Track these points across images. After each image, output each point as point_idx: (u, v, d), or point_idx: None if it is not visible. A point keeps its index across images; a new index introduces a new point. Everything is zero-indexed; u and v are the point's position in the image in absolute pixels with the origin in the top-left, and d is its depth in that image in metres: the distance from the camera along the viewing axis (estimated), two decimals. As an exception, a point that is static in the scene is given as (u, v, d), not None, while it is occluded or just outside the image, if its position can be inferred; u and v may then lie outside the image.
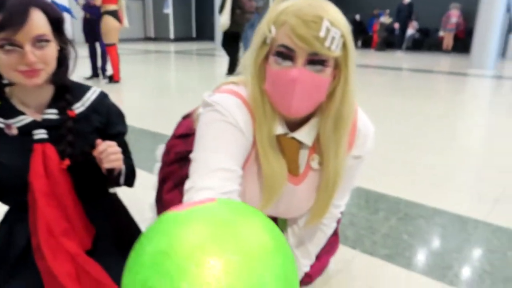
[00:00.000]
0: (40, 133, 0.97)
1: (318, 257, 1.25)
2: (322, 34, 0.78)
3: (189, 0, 17.49)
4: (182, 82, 6.48)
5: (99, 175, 0.99)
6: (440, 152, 2.93)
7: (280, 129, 0.93)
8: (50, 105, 0.99)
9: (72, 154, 0.97)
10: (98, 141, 0.95)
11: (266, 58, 0.87)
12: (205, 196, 0.79)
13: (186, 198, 0.85)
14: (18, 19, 0.84)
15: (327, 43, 0.79)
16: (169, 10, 15.90)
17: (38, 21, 0.88)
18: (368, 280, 1.44)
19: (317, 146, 0.97)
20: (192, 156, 0.90)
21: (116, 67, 5.65)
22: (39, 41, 0.88)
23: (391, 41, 12.70)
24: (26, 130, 0.96)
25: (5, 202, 1.03)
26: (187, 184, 0.87)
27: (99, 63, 6.09)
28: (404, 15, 12.35)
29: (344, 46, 0.83)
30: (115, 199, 1.08)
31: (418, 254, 1.62)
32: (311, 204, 1.04)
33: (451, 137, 3.39)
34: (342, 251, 1.57)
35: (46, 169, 0.94)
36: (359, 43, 13.40)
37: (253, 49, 0.89)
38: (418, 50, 12.43)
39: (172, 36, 16.09)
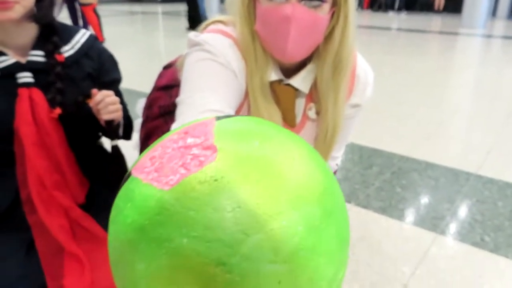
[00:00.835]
0: (25, 77, 0.90)
1: None
2: None
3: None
4: (169, 44, 6.30)
5: (93, 125, 0.95)
6: (432, 107, 2.93)
7: (274, 76, 0.84)
8: (35, 47, 0.91)
9: (63, 102, 0.91)
10: (94, 91, 0.89)
11: None
12: None
13: None
14: None
15: None
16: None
17: None
18: (362, 231, 1.46)
19: (314, 94, 0.90)
20: (177, 99, 0.79)
21: (96, 28, 5.43)
22: None
23: (382, 1, 12.45)
24: (9, 73, 0.89)
25: None
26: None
27: (80, 23, 5.86)
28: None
29: None
30: (116, 151, 1.04)
31: (411, 206, 1.64)
32: None
33: (442, 92, 3.39)
34: (337, 204, 1.59)
35: (34, 116, 0.88)
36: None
37: None
38: (410, 10, 12.23)
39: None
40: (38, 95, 0.89)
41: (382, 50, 5.65)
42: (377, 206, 1.62)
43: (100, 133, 1.06)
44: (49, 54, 0.91)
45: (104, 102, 0.89)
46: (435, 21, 9.82)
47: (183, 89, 0.79)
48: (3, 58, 0.88)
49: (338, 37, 0.80)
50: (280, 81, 0.86)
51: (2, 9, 0.81)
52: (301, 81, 0.87)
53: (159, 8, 12.95)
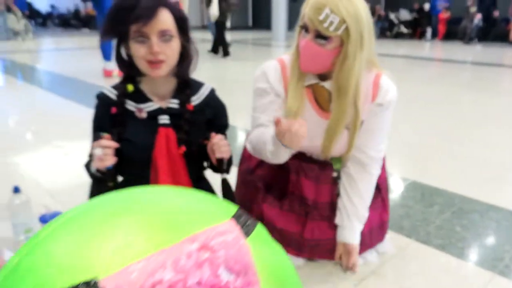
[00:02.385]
0: (164, 119, 1.17)
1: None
2: (321, 17, 1.10)
3: (246, -11, 17.63)
4: (237, 72, 6.72)
5: (206, 161, 1.23)
6: (498, 147, 2.94)
7: (311, 80, 1.29)
8: (174, 96, 1.18)
9: (187, 141, 1.17)
10: (213, 134, 1.15)
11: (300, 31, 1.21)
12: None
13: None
14: (148, 15, 1.04)
15: (325, 25, 1.10)
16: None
17: (164, 18, 1.06)
18: (421, 266, 1.59)
19: None
20: (251, 114, 1.37)
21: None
22: (163, 35, 1.06)
23: (455, 31, 12.12)
24: (153, 115, 1.16)
25: (126, 175, 1.23)
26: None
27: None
28: (488, 3, 11.72)
29: (346, 29, 1.11)
30: (226, 183, 1.29)
31: (470, 245, 1.73)
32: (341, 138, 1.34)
33: (509, 132, 3.35)
34: (398, 239, 1.73)
35: (168, 150, 1.15)
36: (429, 33, 12.90)
37: (296, 25, 1.22)
38: (483, 41, 11.79)
39: (228, 25, 16.40)
40: (172, 134, 1.16)
41: (450, 83, 5.60)
42: (437, 243, 1.73)
43: (206, 166, 1.34)
44: (182, 103, 1.18)
45: (218, 144, 1.14)
46: (510, 54, 9.41)
47: (252, 107, 1.36)
48: (150, 103, 1.16)
49: (338, 66, 1.19)
50: (317, 83, 1.30)
51: (154, 68, 1.08)
52: (328, 85, 1.29)
53: (228, 35, 13.70)
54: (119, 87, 1.18)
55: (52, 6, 19.86)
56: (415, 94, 4.72)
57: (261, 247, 0.48)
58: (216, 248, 0.39)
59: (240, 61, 8.03)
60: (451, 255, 1.65)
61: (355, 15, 1.11)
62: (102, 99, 1.19)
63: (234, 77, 6.43)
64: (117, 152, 1.17)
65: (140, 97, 1.17)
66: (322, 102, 1.33)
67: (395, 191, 2.26)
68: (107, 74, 5.79)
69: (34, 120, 3.73)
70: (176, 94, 1.19)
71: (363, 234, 1.46)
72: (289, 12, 12.36)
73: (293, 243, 1.42)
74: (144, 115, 1.15)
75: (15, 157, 2.71)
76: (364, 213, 1.44)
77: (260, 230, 0.54)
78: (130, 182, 1.22)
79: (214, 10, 7.75)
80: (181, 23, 1.10)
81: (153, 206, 0.51)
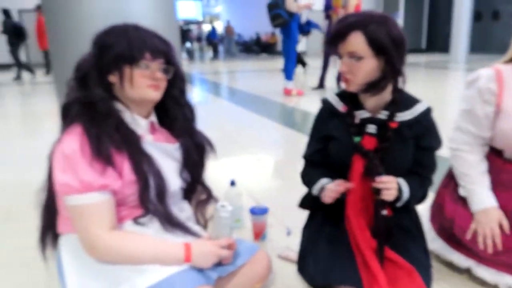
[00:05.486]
0: (372, 128, 1.24)
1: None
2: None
3: (421, 10, 16.87)
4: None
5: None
6: None
7: None
8: (385, 108, 1.23)
9: (387, 151, 1.21)
10: (384, 177, 1.17)
11: None
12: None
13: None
14: (339, 37, 1.15)
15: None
16: (399, 20, 15.81)
17: (353, 41, 1.13)
18: None
19: None
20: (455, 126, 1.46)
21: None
22: (351, 56, 1.15)
23: None
24: (363, 122, 1.25)
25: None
26: None
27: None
28: None
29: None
30: (414, 215, 1.36)
31: None
32: None
33: None
34: None
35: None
36: None
37: None
38: None
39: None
40: (373, 143, 1.23)
41: None
42: None
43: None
44: (390, 117, 1.22)
45: (385, 186, 1.16)
46: None
47: (459, 118, 1.44)
48: (363, 112, 1.25)
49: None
50: None
51: (345, 82, 1.21)
52: None
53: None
54: (343, 95, 1.31)
55: (239, 35, 22.89)
56: None
57: None
58: None
59: (410, 84, 7.71)
60: None
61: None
62: (325, 103, 1.35)
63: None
64: (325, 155, 1.33)
65: (357, 105, 1.27)
66: None
67: None
68: (287, 92, 6.34)
69: (233, 130, 4.38)
70: (388, 107, 1.23)
71: None
72: (471, 33, 11.30)
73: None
74: (357, 120, 1.26)
75: (225, 159, 3.22)
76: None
77: None
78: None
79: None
80: (376, 44, 1.13)
81: None
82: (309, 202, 1.43)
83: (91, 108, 1.02)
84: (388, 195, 1.17)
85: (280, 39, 6.51)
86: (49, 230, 1.14)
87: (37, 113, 5.76)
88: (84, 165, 0.95)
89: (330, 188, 1.24)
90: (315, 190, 1.31)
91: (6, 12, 9.72)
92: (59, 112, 1.09)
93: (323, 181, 1.30)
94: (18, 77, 9.85)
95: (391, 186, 1.18)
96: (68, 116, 1.04)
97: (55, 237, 1.14)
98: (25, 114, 5.89)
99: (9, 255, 1.84)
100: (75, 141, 0.97)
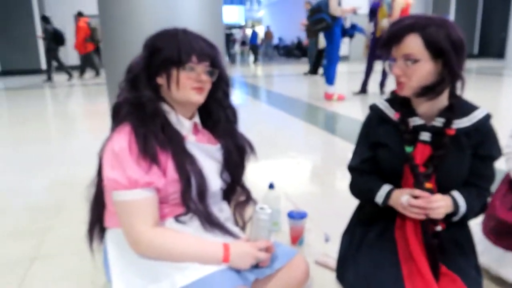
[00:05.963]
0: (425, 136, 1.19)
1: None
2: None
3: (474, 14, 16.15)
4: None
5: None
6: None
7: None
8: (440, 115, 1.18)
9: (442, 160, 1.16)
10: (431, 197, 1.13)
11: None
12: None
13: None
14: (394, 39, 1.12)
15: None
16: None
17: (409, 43, 1.10)
18: None
19: None
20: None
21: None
22: (406, 59, 1.11)
23: None
24: (416, 130, 1.20)
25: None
26: None
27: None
28: None
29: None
30: (467, 230, 1.28)
31: None
32: None
33: None
34: None
35: (420, 164, 1.17)
36: None
37: None
38: None
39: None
40: (428, 151, 1.18)
41: None
42: None
43: None
44: (446, 124, 1.17)
45: (431, 206, 1.12)
46: None
47: None
48: (416, 119, 1.20)
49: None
50: None
51: (398, 88, 1.18)
52: None
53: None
54: (394, 101, 1.27)
55: (280, 39, 22.88)
56: None
57: None
58: None
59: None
60: None
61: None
62: (374, 109, 1.31)
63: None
64: (374, 163, 1.29)
65: (410, 112, 1.23)
66: None
67: None
68: (328, 97, 6.27)
69: (272, 133, 4.39)
70: (444, 113, 1.19)
71: None
72: (530, 38, 10.66)
73: None
74: (409, 127, 1.21)
75: (264, 161, 3.25)
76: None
77: None
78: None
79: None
80: (433, 47, 1.09)
81: None
82: (371, 214, 1.35)
83: (139, 108, 1.06)
84: (436, 214, 1.13)
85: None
86: (97, 223, 1.19)
87: (96, 112, 6.04)
88: (131, 162, 0.99)
89: (416, 204, 1.15)
90: (379, 197, 1.25)
91: (45, 19, 10.15)
92: (110, 112, 1.15)
93: (386, 187, 1.25)
94: (49, 79, 10.24)
95: (437, 205, 1.13)
96: (119, 115, 1.09)
97: (102, 230, 1.19)
98: (80, 114, 6.21)
99: (61, 244, 1.95)
100: (124, 139, 1.01)
